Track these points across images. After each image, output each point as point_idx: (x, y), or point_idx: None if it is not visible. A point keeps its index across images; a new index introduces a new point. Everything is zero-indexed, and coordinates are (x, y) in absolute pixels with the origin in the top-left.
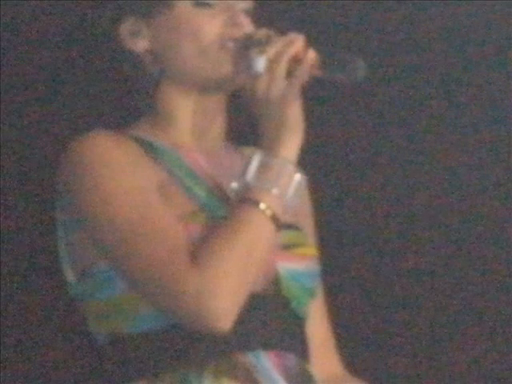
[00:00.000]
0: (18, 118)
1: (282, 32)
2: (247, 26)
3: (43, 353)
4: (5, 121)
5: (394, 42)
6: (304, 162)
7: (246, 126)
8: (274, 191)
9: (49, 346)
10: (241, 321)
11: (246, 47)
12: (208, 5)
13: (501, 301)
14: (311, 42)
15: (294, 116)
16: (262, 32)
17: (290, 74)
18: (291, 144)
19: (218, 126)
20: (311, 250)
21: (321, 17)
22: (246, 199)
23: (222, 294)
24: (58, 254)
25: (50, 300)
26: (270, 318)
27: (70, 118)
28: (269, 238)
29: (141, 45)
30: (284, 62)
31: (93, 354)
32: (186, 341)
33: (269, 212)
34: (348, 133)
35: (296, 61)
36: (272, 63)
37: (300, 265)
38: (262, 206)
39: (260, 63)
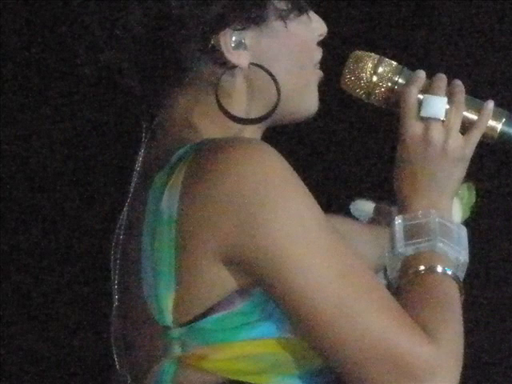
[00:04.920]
0: (18, 118)
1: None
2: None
3: (43, 352)
4: (5, 121)
5: (393, 42)
6: (304, 162)
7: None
8: (439, 246)
9: (49, 345)
10: None
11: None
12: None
13: (501, 300)
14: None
15: (459, 179)
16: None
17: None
18: (446, 205)
19: None
20: None
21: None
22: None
23: (450, 374)
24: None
25: (50, 300)
26: None
27: (69, 118)
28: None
29: (244, 57)
30: (462, 110)
31: (94, 354)
32: None
33: (449, 272)
34: (348, 132)
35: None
36: (450, 110)
37: None
38: (439, 268)
39: (439, 107)
